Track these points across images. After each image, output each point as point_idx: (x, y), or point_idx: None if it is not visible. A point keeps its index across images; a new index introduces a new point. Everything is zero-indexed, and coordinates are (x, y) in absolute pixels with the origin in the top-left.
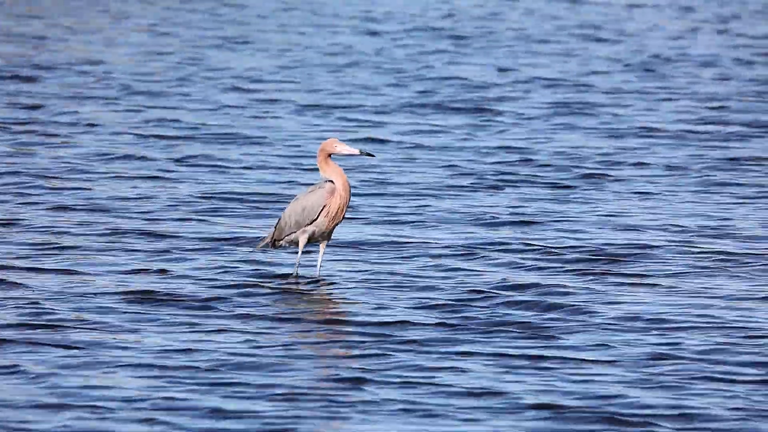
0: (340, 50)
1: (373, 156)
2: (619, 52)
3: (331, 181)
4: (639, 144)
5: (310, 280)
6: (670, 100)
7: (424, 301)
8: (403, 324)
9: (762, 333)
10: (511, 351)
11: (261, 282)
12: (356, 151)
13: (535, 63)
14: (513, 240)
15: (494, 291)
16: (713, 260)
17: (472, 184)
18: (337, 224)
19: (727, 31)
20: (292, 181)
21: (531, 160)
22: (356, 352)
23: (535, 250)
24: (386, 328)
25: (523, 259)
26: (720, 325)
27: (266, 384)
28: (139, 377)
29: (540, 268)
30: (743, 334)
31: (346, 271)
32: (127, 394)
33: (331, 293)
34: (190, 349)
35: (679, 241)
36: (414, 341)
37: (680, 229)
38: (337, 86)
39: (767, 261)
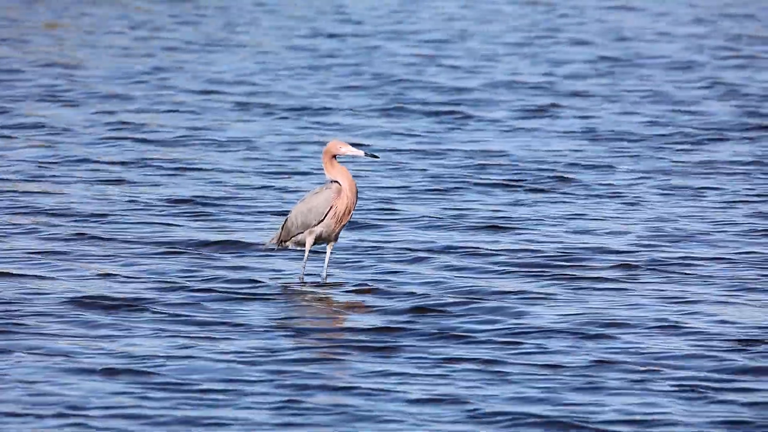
0: (313, 53)
1: (377, 158)
2: (588, 55)
3: (337, 182)
4: (606, 147)
5: (315, 283)
6: (637, 103)
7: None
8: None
9: (717, 337)
10: (464, 356)
11: (262, 284)
12: (361, 153)
13: (505, 65)
14: (483, 244)
15: (465, 296)
16: (674, 264)
17: (442, 187)
18: (344, 226)
19: (696, 34)
20: (270, 186)
21: (500, 163)
22: (349, 357)
23: (501, 253)
24: (382, 333)
25: (492, 263)
26: (678, 329)
27: (243, 391)
28: (127, 384)
29: (501, 273)
30: (699, 338)
31: (344, 273)
32: (112, 400)
33: (335, 297)
34: (187, 356)
35: (643, 245)
36: (404, 347)
37: (644, 233)
38: (309, 89)
39: (725, 265)
